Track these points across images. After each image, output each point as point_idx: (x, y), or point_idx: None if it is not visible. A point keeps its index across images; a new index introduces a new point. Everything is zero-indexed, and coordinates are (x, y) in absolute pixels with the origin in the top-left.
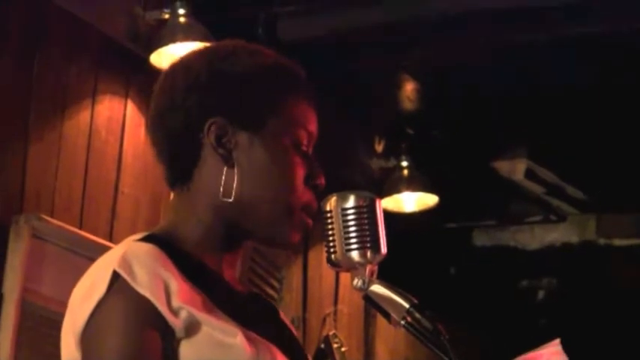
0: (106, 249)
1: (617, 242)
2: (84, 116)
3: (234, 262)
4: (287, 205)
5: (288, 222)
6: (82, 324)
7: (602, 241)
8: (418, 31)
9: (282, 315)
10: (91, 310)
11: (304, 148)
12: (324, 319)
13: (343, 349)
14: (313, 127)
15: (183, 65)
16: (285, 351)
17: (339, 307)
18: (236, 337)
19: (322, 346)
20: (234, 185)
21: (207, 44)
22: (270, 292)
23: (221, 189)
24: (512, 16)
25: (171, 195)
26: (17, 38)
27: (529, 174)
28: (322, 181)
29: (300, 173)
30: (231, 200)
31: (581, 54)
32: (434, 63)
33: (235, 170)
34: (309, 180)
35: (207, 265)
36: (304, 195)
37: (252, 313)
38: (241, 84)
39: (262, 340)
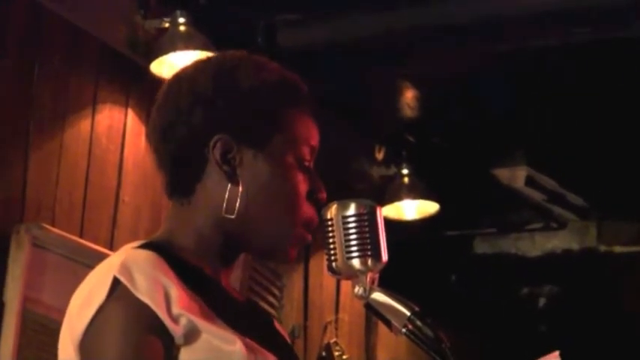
0: (107, 257)
1: (618, 249)
2: (84, 125)
3: (229, 273)
4: (289, 222)
5: (287, 238)
6: (82, 330)
7: (602, 248)
8: (418, 39)
9: (276, 324)
10: (90, 316)
11: (307, 164)
12: (325, 327)
13: (344, 356)
14: (316, 141)
15: (188, 77)
16: (281, 358)
17: (340, 315)
18: (235, 345)
19: (323, 354)
20: (238, 202)
21: (210, 54)
22: (271, 300)
23: (224, 205)
24: (512, 23)
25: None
26: (17, 47)
27: (529, 181)
28: (324, 195)
29: (303, 189)
30: (233, 217)
31: (581, 60)
32: (434, 71)
33: (239, 187)
34: (311, 195)
35: (205, 273)
36: (307, 211)
37: (250, 320)
38: (247, 101)
39: (260, 348)
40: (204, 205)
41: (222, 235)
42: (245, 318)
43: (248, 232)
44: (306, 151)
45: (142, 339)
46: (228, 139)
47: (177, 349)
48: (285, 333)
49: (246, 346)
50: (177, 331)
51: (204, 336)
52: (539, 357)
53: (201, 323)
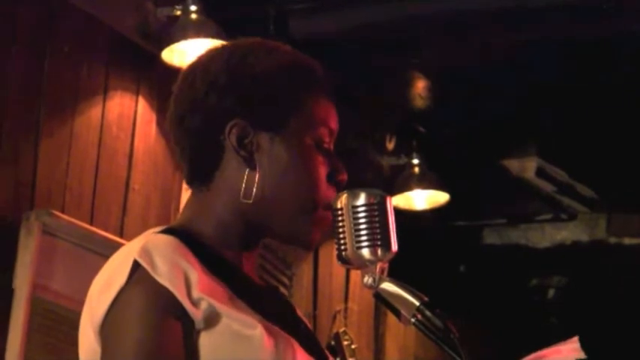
0: (117, 245)
1: (628, 241)
2: (95, 113)
3: (251, 259)
4: (309, 204)
5: (310, 221)
6: (102, 315)
7: (612, 239)
8: (430, 28)
9: (298, 311)
10: (110, 300)
11: (326, 146)
12: (335, 317)
13: (353, 346)
14: (334, 123)
15: (202, 66)
16: (303, 344)
17: (350, 304)
18: (255, 329)
19: (332, 343)
20: (255, 187)
21: (222, 42)
22: (281, 289)
23: (242, 191)
24: (522, 14)
25: (183, 191)
26: (28, 35)
27: (539, 172)
28: (344, 177)
29: (323, 171)
30: (250, 202)
31: (594, 53)
32: (445, 61)
33: (257, 172)
34: (331, 177)
35: (226, 258)
36: (327, 193)
37: (271, 306)
38: (261, 85)
39: (282, 333)
40: (223, 192)
41: (242, 220)
42: (266, 303)
43: (268, 216)
44: (324, 133)
45: (161, 323)
46: (244, 124)
47: (198, 333)
48: (306, 320)
49: (268, 330)
50: (197, 314)
51: (224, 320)
52: (549, 346)
53: (221, 307)
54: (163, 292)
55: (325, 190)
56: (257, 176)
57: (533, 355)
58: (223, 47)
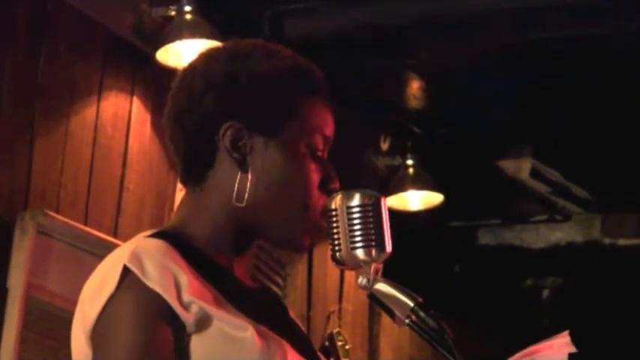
0: (111, 245)
1: (622, 242)
2: (90, 112)
3: (243, 261)
4: (301, 211)
5: (301, 226)
6: (93, 320)
7: (607, 240)
8: (425, 29)
9: (291, 312)
10: (101, 305)
11: (319, 153)
12: (329, 317)
13: (347, 346)
14: (329, 130)
15: (201, 65)
16: (295, 346)
17: (344, 305)
18: (247, 332)
19: (326, 343)
20: (247, 190)
21: (216, 42)
22: (275, 289)
23: (234, 193)
24: (517, 16)
25: (177, 191)
26: (24, 34)
27: (534, 173)
28: (336, 185)
29: (315, 178)
30: (243, 205)
31: (587, 53)
32: (440, 61)
33: (249, 175)
34: (323, 185)
35: (217, 261)
36: (319, 200)
37: (263, 308)
38: (259, 88)
39: (273, 335)
40: (216, 193)
41: (234, 222)
42: (258, 306)
43: (259, 219)
44: (319, 140)
45: (152, 327)
46: (239, 127)
47: (189, 336)
48: (300, 322)
49: (259, 332)
50: (188, 318)
51: (215, 323)
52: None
53: (212, 310)
54: (154, 296)
55: (317, 196)
56: (249, 179)
57: (525, 351)
58: (224, 48)
